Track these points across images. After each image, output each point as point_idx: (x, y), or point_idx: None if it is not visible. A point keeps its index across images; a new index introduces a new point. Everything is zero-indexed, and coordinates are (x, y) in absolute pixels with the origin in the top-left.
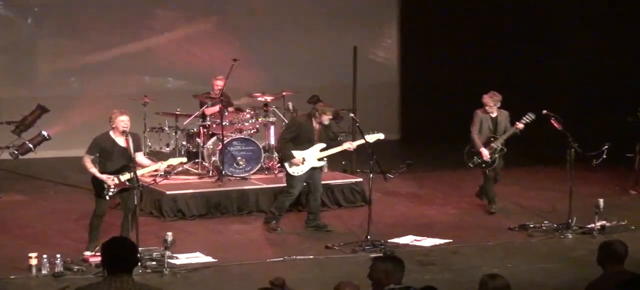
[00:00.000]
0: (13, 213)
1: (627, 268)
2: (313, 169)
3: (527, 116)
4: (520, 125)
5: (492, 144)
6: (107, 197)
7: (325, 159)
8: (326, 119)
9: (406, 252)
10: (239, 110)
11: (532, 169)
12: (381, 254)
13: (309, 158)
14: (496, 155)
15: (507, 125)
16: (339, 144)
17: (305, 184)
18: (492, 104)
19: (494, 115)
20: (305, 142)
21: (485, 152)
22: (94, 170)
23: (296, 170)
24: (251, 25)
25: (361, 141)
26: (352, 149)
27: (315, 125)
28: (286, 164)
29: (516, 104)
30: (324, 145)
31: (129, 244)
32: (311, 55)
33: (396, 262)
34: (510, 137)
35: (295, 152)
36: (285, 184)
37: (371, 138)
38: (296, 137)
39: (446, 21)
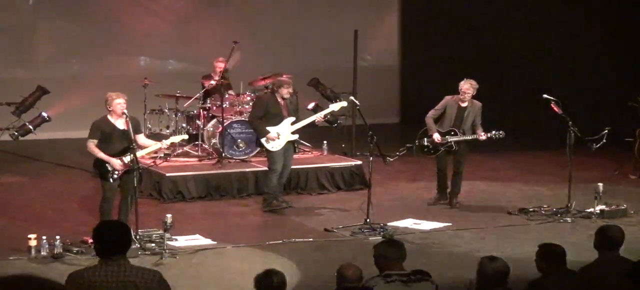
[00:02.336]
0: (13, 194)
1: (626, 253)
2: (289, 143)
3: (497, 133)
4: (482, 137)
5: (448, 137)
6: (111, 180)
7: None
8: (285, 92)
9: (405, 235)
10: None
11: (532, 153)
12: (381, 239)
13: (283, 132)
14: (441, 148)
15: (475, 119)
16: (298, 119)
17: None
18: (471, 91)
19: (464, 105)
20: (274, 118)
21: (437, 136)
22: (101, 153)
23: (274, 146)
24: (252, 8)
25: (326, 111)
26: (320, 121)
27: (280, 100)
28: (263, 141)
29: (517, 87)
30: (293, 118)
31: (121, 226)
32: (312, 38)
33: (393, 246)
34: (470, 141)
35: (269, 128)
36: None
37: (336, 106)
38: (265, 114)
39: (446, 4)
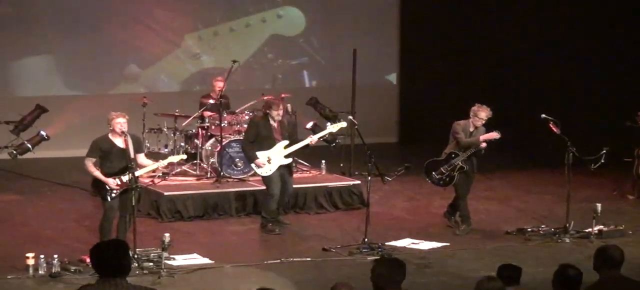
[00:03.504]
0: (11, 213)
1: (624, 273)
2: (283, 166)
3: (492, 133)
4: (483, 144)
5: (453, 161)
6: (109, 199)
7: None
8: (275, 113)
9: (403, 255)
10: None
11: (530, 173)
12: (381, 257)
13: (274, 156)
14: (455, 173)
15: None
16: (297, 140)
17: None
18: (485, 118)
19: (471, 129)
20: (266, 141)
21: (495, 133)
22: (97, 173)
23: (263, 171)
24: (250, 27)
25: (325, 133)
26: (313, 143)
27: (274, 123)
28: (253, 166)
29: (515, 107)
30: (287, 142)
31: (121, 247)
32: (310, 57)
33: (393, 265)
34: (472, 155)
35: (259, 153)
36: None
37: (335, 127)
38: (257, 137)
39: (446, 24)
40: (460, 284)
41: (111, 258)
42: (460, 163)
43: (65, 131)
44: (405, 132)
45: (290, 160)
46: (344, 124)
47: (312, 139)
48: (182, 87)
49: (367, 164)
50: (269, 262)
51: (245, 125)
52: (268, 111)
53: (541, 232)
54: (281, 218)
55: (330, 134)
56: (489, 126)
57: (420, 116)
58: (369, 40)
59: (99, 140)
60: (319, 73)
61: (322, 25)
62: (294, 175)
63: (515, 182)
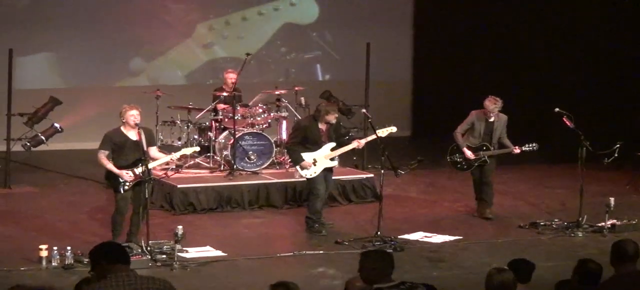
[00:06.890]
0: (24, 204)
1: None
2: (327, 169)
3: (530, 145)
4: (517, 150)
5: (481, 152)
6: (123, 191)
7: (336, 157)
8: (331, 118)
9: (416, 248)
10: (246, 106)
11: (543, 167)
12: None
13: (320, 159)
14: (476, 164)
15: (502, 132)
16: (349, 141)
17: None
18: (497, 108)
19: (491, 119)
20: (313, 144)
21: (469, 153)
22: (110, 165)
23: (308, 173)
24: (263, 20)
25: (371, 137)
26: (360, 147)
27: (322, 126)
28: (298, 168)
29: (528, 101)
30: (334, 144)
31: (116, 244)
32: (324, 50)
33: (386, 258)
34: (502, 154)
35: (304, 155)
36: (304, 184)
37: (383, 132)
38: (304, 140)
39: (459, 18)
40: (473, 277)
41: (115, 251)
42: (486, 156)
43: (79, 123)
44: (418, 125)
45: (335, 162)
46: (393, 129)
47: (360, 143)
48: (193, 79)
49: (380, 157)
50: (282, 255)
51: (259, 119)
52: (325, 116)
53: (554, 226)
54: (322, 220)
55: (345, 127)
56: (512, 126)
57: (434, 109)
58: (383, 34)
59: (112, 133)
60: (332, 67)
61: (335, 19)
62: None
63: (528, 176)
